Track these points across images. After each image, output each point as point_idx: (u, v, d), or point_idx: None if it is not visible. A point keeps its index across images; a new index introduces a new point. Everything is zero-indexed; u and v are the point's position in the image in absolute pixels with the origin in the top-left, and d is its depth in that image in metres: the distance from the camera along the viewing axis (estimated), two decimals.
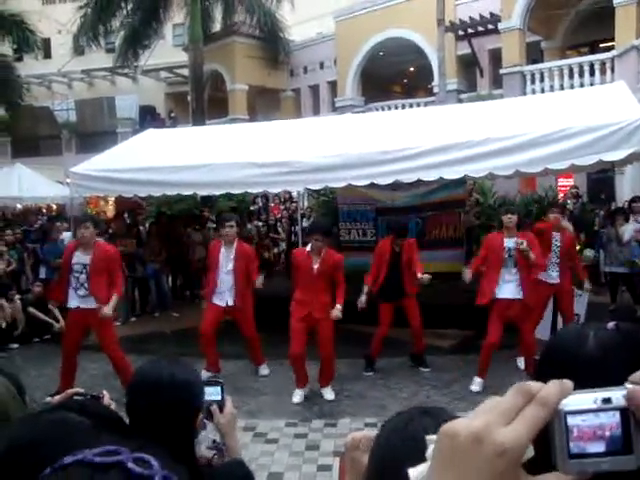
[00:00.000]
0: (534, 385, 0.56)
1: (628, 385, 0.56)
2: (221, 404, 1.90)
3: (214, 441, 1.94)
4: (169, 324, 9.65)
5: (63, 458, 0.66)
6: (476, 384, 6.21)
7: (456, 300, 7.91)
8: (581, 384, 0.99)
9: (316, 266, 6.05)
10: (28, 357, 8.15)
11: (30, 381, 6.39)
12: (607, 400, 0.55)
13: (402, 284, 6.78)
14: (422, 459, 0.62)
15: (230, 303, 6.81)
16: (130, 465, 0.62)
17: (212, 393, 1.89)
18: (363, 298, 6.70)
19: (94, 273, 6.05)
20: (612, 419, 0.55)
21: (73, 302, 6.20)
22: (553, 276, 6.96)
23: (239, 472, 1.76)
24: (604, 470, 0.54)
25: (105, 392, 1.88)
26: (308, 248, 6.15)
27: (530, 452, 0.54)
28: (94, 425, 1.01)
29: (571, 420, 0.55)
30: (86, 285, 6.09)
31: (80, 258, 6.12)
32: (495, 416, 0.54)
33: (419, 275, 6.54)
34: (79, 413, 1.05)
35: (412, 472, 0.65)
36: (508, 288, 6.19)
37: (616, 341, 1.02)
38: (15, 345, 8.73)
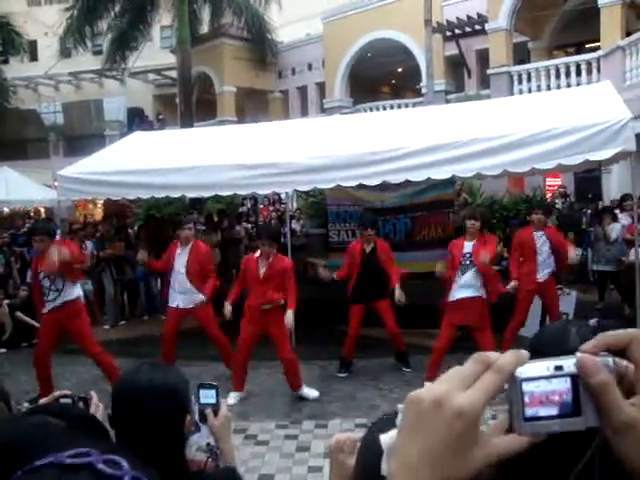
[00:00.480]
0: (492, 354, 0.60)
1: (578, 354, 0.60)
2: (216, 408, 1.88)
3: (208, 444, 1.92)
4: (158, 327, 9.58)
5: (35, 461, 0.67)
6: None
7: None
8: None
9: (262, 270, 6.01)
10: (16, 362, 8.08)
11: (18, 386, 6.34)
12: (559, 367, 0.60)
13: (374, 286, 6.76)
14: None
15: (181, 305, 6.70)
16: (100, 466, 0.63)
17: (207, 396, 1.88)
18: (335, 274, 6.91)
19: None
20: (564, 385, 0.59)
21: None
22: (539, 276, 6.97)
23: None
24: (556, 431, 0.59)
25: (93, 393, 1.87)
26: (256, 254, 6.12)
27: (487, 414, 0.59)
28: (70, 428, 1.01)
29: (526, 386, 0.59)
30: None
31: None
32: (455, 382, 0.59)
33: (396, 295, 6.57)
34: (58, 416, 1.04)
35: (383, 438, 0.71)
36: (464, 293, 6.13)
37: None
38: (3, 350, 8.67)
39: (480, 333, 6.07)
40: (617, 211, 9.91)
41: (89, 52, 21.22)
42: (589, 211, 11.56)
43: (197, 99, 22.41)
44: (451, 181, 8.48)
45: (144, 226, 11.60)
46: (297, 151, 7.56)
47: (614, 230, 9.11)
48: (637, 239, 7.42)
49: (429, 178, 7.10)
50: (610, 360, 0.60)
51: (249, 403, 6.16)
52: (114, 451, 0.67)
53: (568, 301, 7.36)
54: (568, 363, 0.60)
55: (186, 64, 17.35)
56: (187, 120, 16.88)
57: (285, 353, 6.09)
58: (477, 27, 18.14)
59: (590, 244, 9.83)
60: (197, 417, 1.90)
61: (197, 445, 1.99)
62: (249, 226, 13.62)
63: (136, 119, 26.04)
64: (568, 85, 14.54)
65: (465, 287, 6.12)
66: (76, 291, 6.24)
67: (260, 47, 23.11)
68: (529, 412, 0.59)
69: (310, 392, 6.26)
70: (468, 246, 6.18)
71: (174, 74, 21.36)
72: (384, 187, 8.38)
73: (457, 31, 19.04)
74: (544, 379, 0.59)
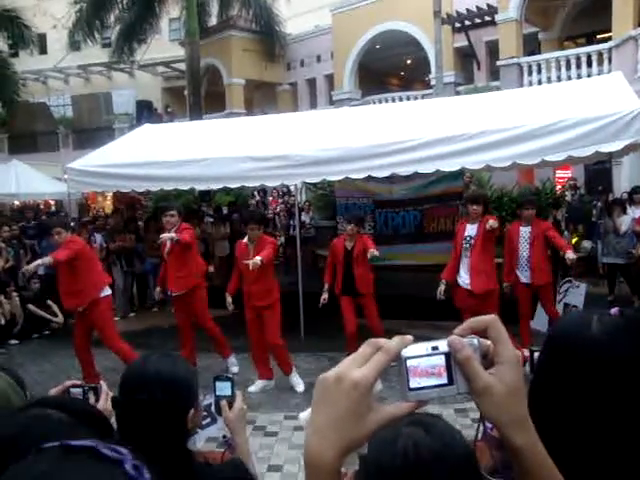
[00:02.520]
0: (381, 340, 0.75)
1: (451, 336, 0.75)
2: (231, 400, 1.88)
3: (224, 436, 1.92)
4: (168, 319, 9.64)
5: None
6: None
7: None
8: (586, 367, 1.00)
9: (252, 253, 6.03)
10: (27, 353, 8.17)
11: (30, 377, 6.40)
12: (435, 348, 0.74)
13: (357, 283, 6.75)
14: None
15: (171, 291, 6.71)
16: (103, 450, 0.66)
17: (222, 388, 1.89)
18: (325, 295, 6.79)
19: None
20: (439, 361, 0.73)
21: None
22: (526, 275, 6.78)
23: (235, 473, 1.74)
24: (434, 397, 0.73)
25: (103, 383, 1.89)
26: (245, 239, 6.21)
27: (379, 386, 0.74)
28: (73, 422, 1.01)
29: (410, 363, 0.73)
30: None
31: None
32: (352, 362, 0.74)
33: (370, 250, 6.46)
34: (59, 409, 1.05)
35: (302, 415, 0.90)
36: (466, 278, 6.29)
37: (620, 325, 1.04)
38: (14, 341, 8.74)
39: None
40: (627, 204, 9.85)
41: (98, 45, 21.24)
42: (599, 203, 11.48)
43: (206, 91, 22.41)
44: (460, 173, 8.45)
45: (152, 218, 11.63)
46: (306, 143, 7.55)
47: (624, 222, 9.06)
48: None
49: (438, 170, 7.08)
50: (475, 340, 0.75)
51: (258, 394, 6.19)
52: (118, 444, 0.70)
53: (578, 294, 7.32)
54: (442, 344, 0.74)
55: (195, 56, 17.35)
56: (196, 112, 16.90)
57: (272, 338, 6.13)
58: (487, 18, 18.00)
59: (600, 236, 9.77)
60: (213, 409, 1.92)
61: (204, 440, 1.99)
62: None
63: (145, 112, 26.06)
64: (579, 76, 14.43)
65: (467, 271, 6.23)
66: None
67: (269, 39, 23.06)
68: (413, 383, 0.73)
69: (298, 383, 6.28)
70: (471, 229, 6.20)
71: (183, 67, 21.36)
72: (393, 179, 8.37)
73: (467, 22, 18.90)
74: (424, 357, 0.73)
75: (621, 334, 1.03)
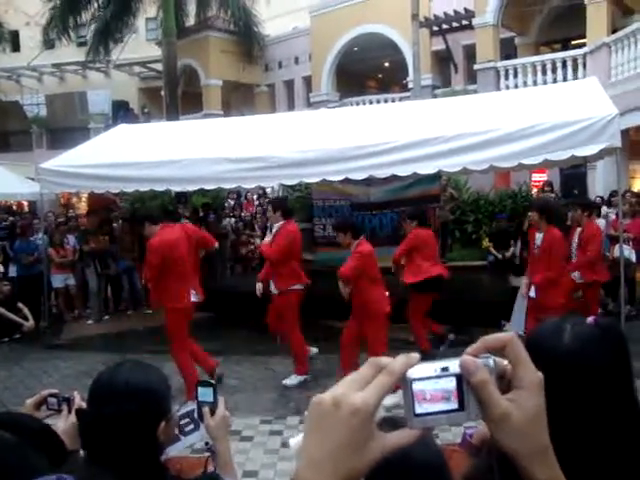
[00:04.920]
0: (384, 359, 0.67)
1: (463, 356, 0.67)
2: (213, 406, 1.83)
3: (207, 443, 1.88)
4: (143, 321, 9.53)
5: None
6: None
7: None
8: (559, 375, 1.00)
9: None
10: None
11: None
12: (445, 369, 0.66)
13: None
14: None
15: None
16: None
17: (204, 394, 1.84)
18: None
19: None
20: (449, 384, 0.65)
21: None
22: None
23: None
24: (442, 424, 0.66)
25: (76, 393, 1.83)
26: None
27: (381, 413, 0.67)
28: (20, 443, 0.96)
29: (416, 386, 0.65)
30: None
31: None
32: (351, 385, 0.66)
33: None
34: (12, 429, 0.99)
35: (292, 441, 0.82)
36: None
37: (595, 334, 1.04)
38: None
39: None
40: (605, 207, 9.98)
41: (73, 43, 20.92)
42: None
43: (183, 92, 22.22)
44: (437, 176, 8.48)
45: (128, 220, 11.48)
46: (283, 145, 7.51)
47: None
48: (621, 235, 7.48)
49: (415, 173, 7.07)
50: (491, 361, 0.67)
51: (233, 398, 6.12)
52: (70, 473, 0.65)
53: None
54: (453, 364, 0.66)
55: (172, 57, 17.18)
56: (173, 113, 16.73)
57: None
58: (464, 22, 18.12)
59: None
60: (196, 415, 1.87)
61: (190, 443, 1.95)
62: (233, 221, 13.53)
63: (121, 112, 25.78)
64: (554, 81, 14.58)
65: None
66: None
67: (247, 40, 22.94)
68: (419, 409, 0.65)
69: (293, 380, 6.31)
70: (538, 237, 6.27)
71: (160, 67, 21.16)
72: (370, 182, 8.36)
73: (444, 26, 19.02)
74: (432, 379, 0.65)
75: (593, 343, 1.05)
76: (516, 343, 0.70)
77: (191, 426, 1.91)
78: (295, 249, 6.52)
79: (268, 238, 6.58)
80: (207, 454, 1.86)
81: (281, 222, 6.49)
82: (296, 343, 6.46)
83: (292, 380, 6.35)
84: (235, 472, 1.95)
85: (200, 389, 1.84)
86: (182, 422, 1.86)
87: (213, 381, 1.91)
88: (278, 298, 6.50)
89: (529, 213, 6.64)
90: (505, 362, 0.69)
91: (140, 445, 1.52)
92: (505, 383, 0.69)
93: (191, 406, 1.91)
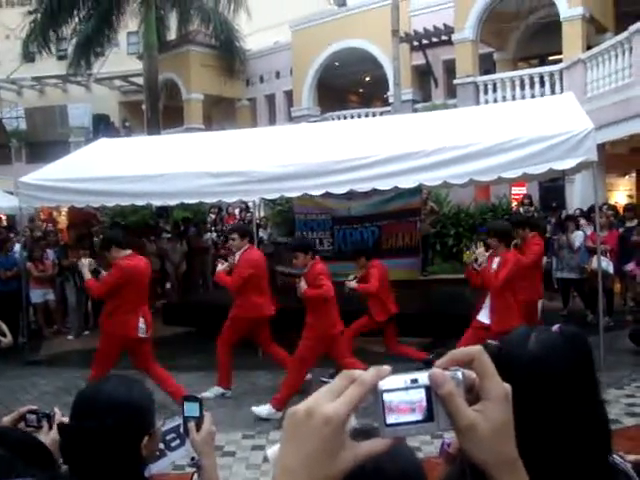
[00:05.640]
0: (356, 371, 0.69)
1: (432, 369, 0.69)
2: (199, 421, 1.82)
3: (193, 458, 1.86)
4: None
5: None
6: None
7: (412, 308, 7.95)
8: (524, 381, 1.03)
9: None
10: None
11: None
12: (415, 380, 0.68)
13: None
14: None
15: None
16: None
17: (190, 409, 1.83)
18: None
19: None
20: (419, 395, 0.67)
21: None
22: None
23: None
24: (413, 434, 0.68)
25: (57, 410, 1.81)
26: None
27: (353, 422, 0.68)
28: (10, 456, 0.95)
29: (387, 396, 0.67)
30: None
31: None
32: (323, 395, 0.68)
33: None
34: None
35: (269, 451, 0.84)
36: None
37: (558, 342, 1.08)
38: None
39: None
40: (583, 220, 10.09)
41: (53, 57, 20.85)
42: (553, 219, 11.74)
43: (164, 106, 22.18)
44: (418, 190, 8.55)
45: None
46: (264, 159, 7.53)
47: (577, 238, 9.27)
48: (598, 247, 7.58)
49: (396, 187, 7.13)
50: (459, 374, 0.69)
51: (215, 413, 6.06)
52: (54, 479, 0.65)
53: None
54: (422, 376, 0.68)
55: (153, 70, 17.21)
56: (154, 127, 16.73)
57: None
58: (444, 37, 18.35)
59: (554, 252, 9.98)
60: (182, 430, 1.87)
61: (176, 458, 1.94)
62: (214, 235, 13.50)
63: (102, 126, 25.65)
64: (532, 96, 14.79)
65: None
66: None
67: (228, 55, 23.01)
68: (390, 419, 0.67)
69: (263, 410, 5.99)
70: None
71: (141, 81, 21.14)
72: (351, 196, 8.40)
73: (424, 41, 19.24)
74: (402, 390, 0.67)
75: (559, 351, 1.08)
76: (483, 356, 0.71)
77: (177, 441, 1.90)
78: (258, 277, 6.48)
79: (223, 266, 6.52)
80: (192, 469, 1.86)
81: (245, 248, 6.49)
82: (222, 358, 6.49)
83: (262, 410, 5.99)
84: None
85: (186, 404, 1.83)
86: (168, 437, 1.86)
87: (199, 396, 1.92)
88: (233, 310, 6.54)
89: (489, 239, 6.10)
90: (474, 375, 0.71)
91: (122, 459, 1.52)
92: (474, 395, 0.71)
93: (177, 421, 1.90)
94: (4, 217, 18.83)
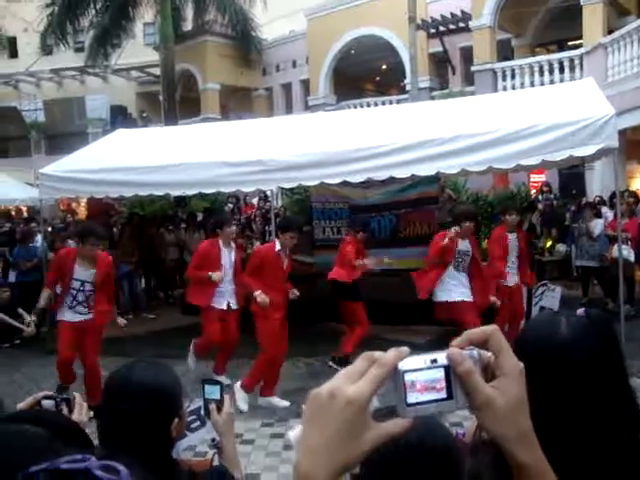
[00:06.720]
0: (376, 353, 0.71)
1: (450, 348, 0.71)
2: (219, 404, 1.92)
3: (213, 439, 1.96)
4: (143, 326, 9.53)
5: (27, 467, 0.65)
6: None
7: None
8: (555, 366, 1.03)
9: (285, 263, 5.98)
10: None
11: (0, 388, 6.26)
12: (434, 360, 0.70)
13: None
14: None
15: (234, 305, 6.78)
16: (97, 472, 0.63)
17: (211, 392, 1.94)
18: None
19: None
20: (438, 374, 0.70)
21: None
22: (511, 280, 6.95)
23: None
24: (433, 413, 0.70)
25: (76, 394, 1.84)
26: (277, 247, 5.93)
27: (375, 402, 0.69)
28: (50, 436, 0.96)
29: (407, 377, 0.69)
30: None
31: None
32: (345, 377, 0.69)
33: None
34: (34, 424, 0.99)
35: (291, 434, 0.88)
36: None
37: (588, 326, 1.08)
38: None
39: None
40: (605, 208, 9.98)
41: (71, 49, 21.00)
42: (572, 207, 11.63)
43: (181, 96, 22.27)
44: (436, 178, 8.49)
45: (128, 224, 11.51)
46: (281, 148, 7.52)
47: (597, 226, 9.17)
48: (619, 235, 7.49)
49: (413, 175, 7.09)
50: (475, 352, 0.72)
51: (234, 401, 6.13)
52: (107, 457, 0.67)
53: (553, 297, 7.39)
54: (441, 356, 0.70)
55: (170, 61, 17.26)
56: (171, 117, 16.80)
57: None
58: (461, 24, 18.17)
59: (574, 240, 9.89)
60: (202, 412, 1.98)
61: (186, 446, 1.98)
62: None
63: (119, 117, 25.81)
64: (551, 82, 14.61)
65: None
66: None
67: (244, 44, 23.00)
68: (410, 398, 0.69)
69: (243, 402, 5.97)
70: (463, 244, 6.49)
71: (157, 71, 21.22)
72: (368, 184, 8.37)
73: (441, 28, 19.06)
74: (422, 370, 0.70)
75: (586, 335, 1.09)
76: (498, 335, 0.74)
77: (197, 423, 2.03)
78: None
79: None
80: (213, 451, 1.93)
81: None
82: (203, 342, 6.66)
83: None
84: (241, 467, 2.01)
85: (207, 387, 1.93)
86: (189, 419, 1.95)
87: (220, 379, 1.99)
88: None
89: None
90: (489, 354, 0.73)
91: (155, 440, 1.57)
92: (489, 373, 0.73)
93: (197, 403, 2.01)
94: (24, 208, 19.06)
